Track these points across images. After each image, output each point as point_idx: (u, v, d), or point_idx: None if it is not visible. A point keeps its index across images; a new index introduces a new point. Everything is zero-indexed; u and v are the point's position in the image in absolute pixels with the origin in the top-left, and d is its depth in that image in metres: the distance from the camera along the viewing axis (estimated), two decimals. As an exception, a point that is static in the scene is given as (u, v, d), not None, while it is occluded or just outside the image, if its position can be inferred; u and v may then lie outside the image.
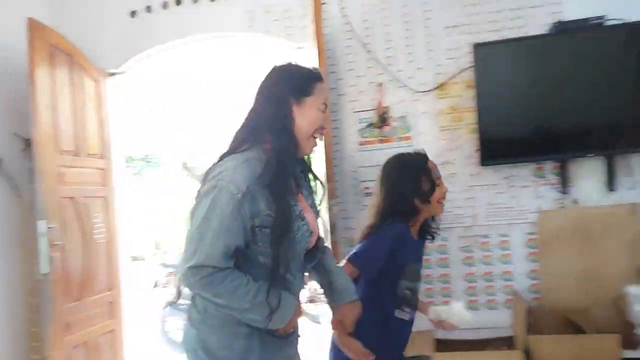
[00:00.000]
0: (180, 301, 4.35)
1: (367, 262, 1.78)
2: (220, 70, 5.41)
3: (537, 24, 2.77)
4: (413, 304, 1.87)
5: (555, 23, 2.68)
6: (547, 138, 2.72)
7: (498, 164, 2.82)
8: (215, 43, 3.45)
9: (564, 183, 2.76)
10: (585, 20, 2.61)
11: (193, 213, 1.35)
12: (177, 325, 4.44)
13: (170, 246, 8.00)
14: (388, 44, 2.97)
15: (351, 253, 1.82)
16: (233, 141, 1.44)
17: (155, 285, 4.40)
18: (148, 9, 3.28)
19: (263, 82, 1.46)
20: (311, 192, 1.55)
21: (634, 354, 2.34)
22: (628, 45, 2.63)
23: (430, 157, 2.86)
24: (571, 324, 2.54)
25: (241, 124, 1.46)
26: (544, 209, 2.79)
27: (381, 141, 2.99)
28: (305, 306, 5.19)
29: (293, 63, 1.48)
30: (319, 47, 2.56)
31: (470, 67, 2.79)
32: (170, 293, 4.43)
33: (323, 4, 2.93)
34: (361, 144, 3.01)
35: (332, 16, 3.01)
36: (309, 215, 1.47)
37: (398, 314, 1.83)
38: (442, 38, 2.90)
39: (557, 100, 2.68)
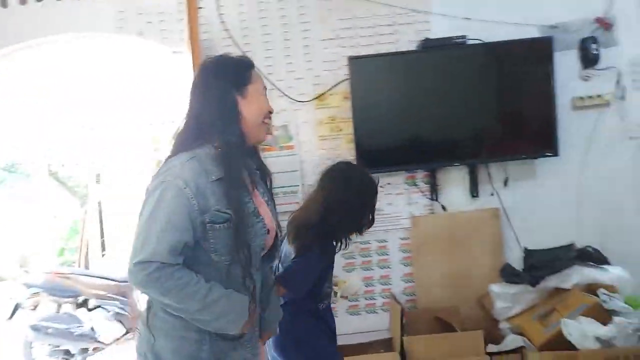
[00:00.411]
0: (48, 324, 3.98)
1: (299, 285, 1.81)
2: (90, 73, 5.07)
3: (408, 40, 2.93)
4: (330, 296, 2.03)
5: (423, 40, 2.85)
6: (418, 148, 2.88)
7: (374, 173, 2.91)
8: (84, 43, 3.21)
9: (433, 190, 2.94)
10: (450, 38, 2.80)
11: (141, 211, 1.31)
12: (45, 351, 4.04)
13: (37, 264, 7.29)
14: (268, 53, 2.96)
15: (282, 273, 1.82)
16: (177, 144, 1.38)
17: (16, 309, 3.98)
18: (3, 2, 2.95)
19: (198, 80, 1.40)
20: (267, 189, 1.51)
21: (498, 347, 2.55)
22: (486, 63, 2.89)
23: (311, 166, 2.97)
24: (443, 323, 2.70)
25: (183, 126, 1.39)
26: (416, 215, 2.95)
27: (263, 150, 2.95)
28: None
29: (222, 55, 1.45)
30: (194, 53, 2.49)
31: (347, 79, 2.86)
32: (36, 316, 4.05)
33: (200, 8, 2.84)
34: (242, 153, 2.97)
35: (210, 22, 2.93)
36: (264, 212, 1.42)
37: (321, 306, 1.94)
38: (320, 50, 2.96)
39: (427, 112, 2.85)
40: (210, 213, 1.30)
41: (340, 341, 2.75)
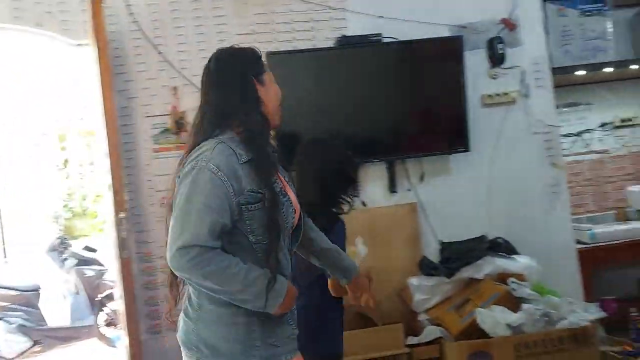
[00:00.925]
0: None
1: None
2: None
3: (325, 37, 2.93)
4: None
5: (340, 37, 2.85)
6: (338, 146, 2.89)
7: (293, 170, 2.89)
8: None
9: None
10: (366, 36, 2.82)
11: (175, 197, 1.32)
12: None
13: None
14: (181, 47, 2.84)
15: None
16: (196, 133, 1.39)
17: None
18: None
19: (214, 70, 1.43)
20: (286, 170, 1.52)
21: (417, 339, 2.60)
22: (401, 61, 2.94)
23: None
24: (364, 318, 2.72)
25: (199, 117, 1.41)
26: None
27: (178, 147, 2.83)
28: (103, 329, 4.76)
29: (234, 47, 1.50)
30: (99, 46, 2.33)
31: (265, 74, 2.81)
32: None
33: (105, -3, 2.68)
34: (156, 151, 2.82)
35: (117, 13, 2.77)
36: (289, 191, 1.45)
37: None
38: (237, 45, 2.88)
39: (344, 109, 2.85)
40: (244, 195, 1.31)
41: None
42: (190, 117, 2.79)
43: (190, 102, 2.84)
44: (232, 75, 1.41)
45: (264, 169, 1.34)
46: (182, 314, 1.41)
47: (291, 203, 1.43)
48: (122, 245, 2.40)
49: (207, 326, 1.35)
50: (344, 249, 1.76)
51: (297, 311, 1.48)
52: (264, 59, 1.52)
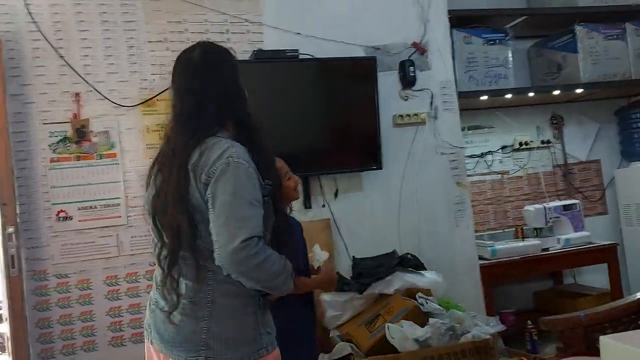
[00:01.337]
0: None
1: None
2: None
3: (241, 50, 2.89)
4: None
5: (256, 51, 2.82)
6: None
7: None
8: None
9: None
10: (283, 51, 2.82)
11: (214, 194, 1.31)
12: None
13: None
14: (85, 52, 2.68)
15: None
16: (197, 126, 1.39)
17: None
18: None
19: (204, 63, 1.45)
20: None
21: (328, 356, 2.58)
22: (317, 78, 2.97)
23: (137, 176, 2.74)
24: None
25: (194, 108, 1.42)
26: (250, 228, 2.89)
27: (78, 158, 2.66)
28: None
29: (211, 43, 1.54)
30: (-10, 44, 2.13)
31: (177, 84, 2.71)
32: None
33: (1, -6, 2.48)
34: (53, 160, 2.62)
35: (14, 11, 2.56)
36: None
37: None
38: (147, 52, 2.77)
39: (258, 124, 2.81)
40: (262, 186, 1.38)
41: None
42: (93, 126, 2.68)
43: (94, 110, 2.69)
44: (224, 70, 1.46)
45: (270, 163, 1.45)
46: (176, 314, 1.38)
47: None
48: (10, 262, 2.19)
49: (221, 321, 1.37)
50: None
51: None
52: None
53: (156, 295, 1.47)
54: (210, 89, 1.43)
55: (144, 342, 2.66)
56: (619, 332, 1.85)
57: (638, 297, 1.98)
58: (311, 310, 2.20)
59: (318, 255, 2.21)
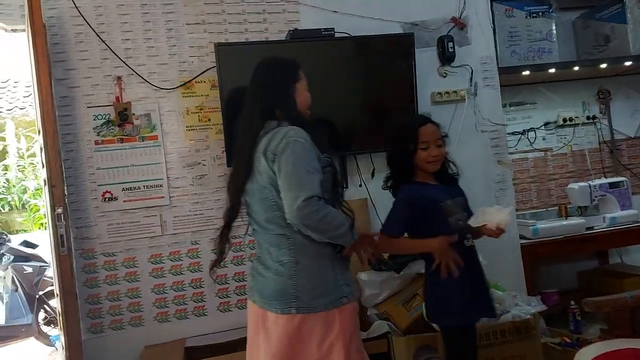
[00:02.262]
0: None
1: (388, 224, 2.06)
2: None
3: (277, 30, 2.89)
4: (470, 231, 2.02)
5: (292, 30, 2.81)
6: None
7: (245, 165, 2.84)
8: None
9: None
10: (318, 30, 2.80)
11: (279, 169, 1.62)
12: None
13: None
14: (126, 35, 2.73)
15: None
16: (256, 122, 1.74)
17: None
18: None
19: (261, 73, 1.83)
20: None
21: (366, 334, 2.60)
22: (353, 57, 2.93)
23: (178, 157, 2.80)
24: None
25: (252, 109, 1.78)
26: (288, 207, 2.92)
27: (122, 140, 2.73)
28: (43, 328, 4.57)
29: (272, 56, 1.91)
30: (34, 31, 2.20)
31: (214, 66, 2.73)
32: None
33: (44, -19, 2.53)
34: (98, 143, 2.71)
35: (57, -3, 2.63)
36: None
37: (466, 242, 2.03)
38: (185, 35, 2.79)
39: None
40: (321, 160, 1.68)
41: (213, 339, 2.68)
42: (135, 109, 2.74)
43: (135, 93, 2.75)
44: (275, 80, 1.79)
45: (324, 139, 1.72)
46: (270, 274, 1.70)
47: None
48: (60, 241, 2.29)
49: (306, 277, 1.66)
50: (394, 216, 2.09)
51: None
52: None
53: (255, 263, 1.82)
54: (265, 96, 1.79)
55: (186, 318, 2.78)
56: (668, 314, 1.80)
57: (688, 278, 1.91)
58: None
59: (488, 214, 1.97)
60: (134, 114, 2.74)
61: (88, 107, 2.70)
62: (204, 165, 2.82)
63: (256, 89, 1.81)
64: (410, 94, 2.92)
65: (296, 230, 1.64)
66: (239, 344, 2.62)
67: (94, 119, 2.70)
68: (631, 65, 3.41)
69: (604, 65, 3.33)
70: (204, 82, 2.81)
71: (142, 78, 2.74)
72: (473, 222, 1.97)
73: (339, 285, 1.69)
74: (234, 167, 1.83)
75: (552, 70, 3.26)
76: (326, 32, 2.80)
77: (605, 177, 3.56)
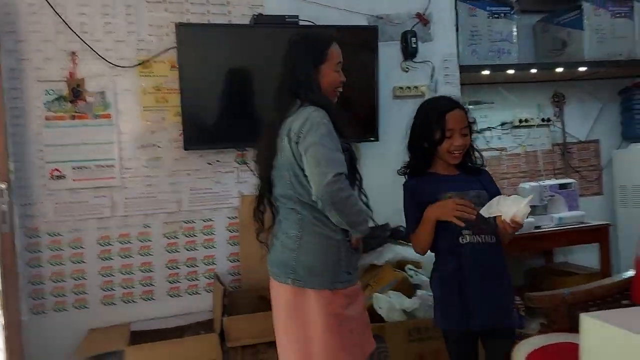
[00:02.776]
0: None
1: (407, 224, 2.00)
2: None
3: (241, 14, 2.84)
4: (474, 226, 1.80)
5: (256, 15, 2.77)
6: (249, 126, 2.79)
7: (202, 149, 2.80)
8: None
9: (263, 169, 2.92)
10: (282, 17, 2.77)
11: (305, 149, 1.64)
12: None
13: None
14: (82, 9, 2.64)
15: None
16: (283, 101, 1.78)
17: None
18: None
19: (289, 52, 1.81)
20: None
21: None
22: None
23: (132, 138, 2.73)
24: (267, 302, 2.70)
25: (280, 88, 1.81)
26: (245, 194, 2.90)
27: (74, 117, 2.65)
28: None
29: (304, 31, 1.94)
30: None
31: (174, 47, 2.67)
32: None
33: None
34: (48, 118, 2.61)
35: (7, -37, 2.52)
36: None
37: (462, 239, 1.83)
38: (144, 12, 2.72)
39: (258, 90, 2.77)
40: (340, 142, 1.68)
41: (159, 324, 2.64)
42: (89, 86, 2.66)
43: (90, 70, 2.66)
44: (300, 61, 1.77)
45: (344, 126, 1.71)
46: (278, 244, 1.78)
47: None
48: (1, 217, 2.20)
49: (307, 253, 1.72)
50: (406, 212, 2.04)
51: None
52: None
53: (271, 235, 1.88)
54: (289, 76, 1.79)
55: (134, 302, 2.73)
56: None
57: (622, 277, 2.00)
58: None
59: (503, 204, 1.70)
60: (87, 91, 2.66)
61: (39, 81, 2.60)
62: (159, 147, 2.77)
63: (284, 67, 1.81)
64: (371, 87, 2.94)
65: (306, 208, 1.71)
66: (187, 330, 2.61)
67: (46, 94, 2.60)
68: (585, 71, 3.53)
69: (559, 69, 3.42)
70: (163, 62, 2.75)
71: (98, 54, 2.66)
72: (485, 211, 1.73)
73: (339, 269, 1.73)
74: (262, 143, 1.85)
75: (511, 72, 3.33)
76: (290, 19, 2.78)
77: (556, 179, 3.68)
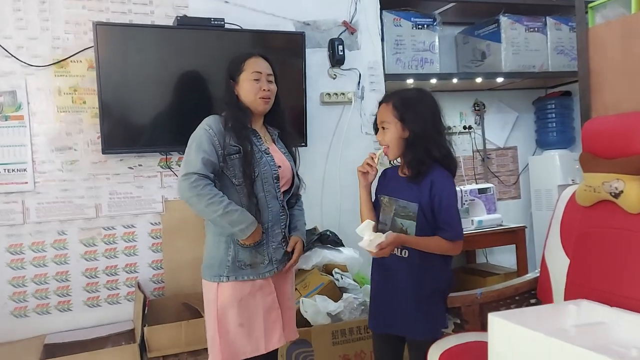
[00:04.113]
0: None
1: None
2: None
3: (165, 15, 2.78)
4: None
5: (180, 17, 2.72)
6: (173, 129, 2.73)
7: (122, 152, 2.71)
8: None
9: (187, 174, 2.86)
10: (208, 19, 2.73)
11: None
12: None
13: None
14: (-10, 7, 2.49)
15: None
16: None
17: None
18: None
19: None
20: (287, 150, 2.05)
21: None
22: (245, 49, 2.89)
23: (47, 140, 2.60)
24: (191, 309, 2.64)
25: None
26: (169, 199, 2.83)
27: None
28: None
29: (237, 53, 2.01)
30: None
31: (92, 46, 2.57)
32: None
33: None
34: (-51, 120, 2.44)
35: None
36: (276, 154, 1.96)
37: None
38: (60, 9, 2.60)
39: (182, 93, 2.72)
40: (227, 148, 1.83)
41: (77, 336, 2.52)
42: (-2, 85, 2.51)
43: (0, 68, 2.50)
44: (224, 76, 1.97)
45: (240, 131, 1.85)
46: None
47: (273, 159, 1.92)
48: None
49: (206, 248, 1.94)
50: None
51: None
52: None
53: None
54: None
55: (48, 313, 2.59)
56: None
57: (529, 277, 2.12)
58: None
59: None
60: (-9, 94, 2.50)
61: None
62: (75, 150, 2.65)
63: None
64: (299, 93, 2.95)
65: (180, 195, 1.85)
66: (107, 341, 2.50)
67: (-53, 93, 2.43)
68: (503, 82, 3.72)
69: (479, 80, 3.59)
70: (80, 61, 2.63)
71: (8, 52, 2.51)
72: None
73: (225, 262, 1.87)
74: None
75: (434, 81, 3.45)
76: (216, 22, 2.75)
77: (477, 183, 3.85)
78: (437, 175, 1.81)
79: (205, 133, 1.84)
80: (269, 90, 1.94)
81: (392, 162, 2.00)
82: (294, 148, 2.11)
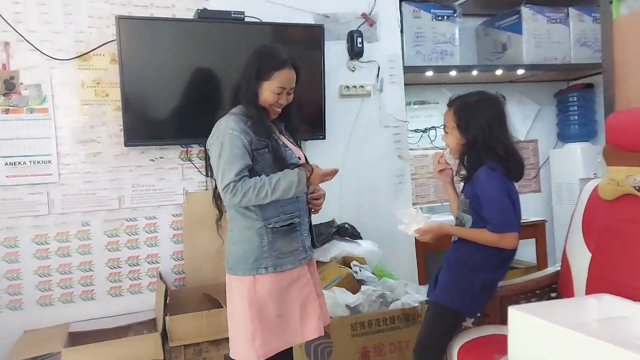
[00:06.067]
0: None
1: None
2: None
3: (186, 8, 2.80)
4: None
5: (201, 10, 2.74)
6: (194, 122, 2.76)
7: (144, 145, 2.74)
8: None
9: (208, 167, 2.89)
10: (228, 12, 2.75)
11: (211, 160, 1.85)
12: None
13: None
14: (16, -1, 2.53)
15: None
16: (230, 99, 1.97)
17: None
18: None
19: (249, 57, 1.92)
20: (295, 140, 2.06)
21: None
22: (265, 42, 2.90)
23: (71, 133, 2.65)
24: (211, 300, 2.68)
25: (232, 87, 1.97)
26: (189, 191, 2.87)
27: (7, 111, 2.54)
28: None
29: (270, 46, 1.98)
30: None
31: (115, 40, 2.60)
32: None
33: None
34: (-20, 113, 2.50)
35: None
36: (292, 146, 1.97)
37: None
38: (83, 3, 2.64)
39: (202, 86, 2.74)
40: (254, 143, 1.82)
41: (100, 325, 2.58)
42: (24, 78, 2.55)
43: (25, 61, 2.56)
44: (247, 69, 1.90)
45: (262, 126, 1.85)
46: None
47: (292, 152, 1.93)
48: None
49: (234, 244, 1.89)
50: None
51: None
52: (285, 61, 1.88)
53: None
54: (239, 80, 1.94)
55: (72, 302, 2.65)
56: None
57: (550, 271, 2.10)
58: None
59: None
60: (22, 84, 2.55)
61: (-31, 72, 2.47)
62: (98, 142, 2.69)
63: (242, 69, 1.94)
64: (318, 85, 2.95)
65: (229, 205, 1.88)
66: (129, 330, 2.56)
67: (-24, 86, 2.48)
68: (524, 74, 3.68)
69: (499, 72, 3.55)
70: (103, 55, 2.67)
71: (33, 46, 2.55)
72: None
73: (260, 255, 1.84)
74: None
75: (453, 73, 3.43)
76: (236, 15, 2.76)
77: (496, 177, 3.81)
78: (481, 172, 1.88)
79: (232, 136, 1.80)
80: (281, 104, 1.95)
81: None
82: (299, 141, 2.13)
